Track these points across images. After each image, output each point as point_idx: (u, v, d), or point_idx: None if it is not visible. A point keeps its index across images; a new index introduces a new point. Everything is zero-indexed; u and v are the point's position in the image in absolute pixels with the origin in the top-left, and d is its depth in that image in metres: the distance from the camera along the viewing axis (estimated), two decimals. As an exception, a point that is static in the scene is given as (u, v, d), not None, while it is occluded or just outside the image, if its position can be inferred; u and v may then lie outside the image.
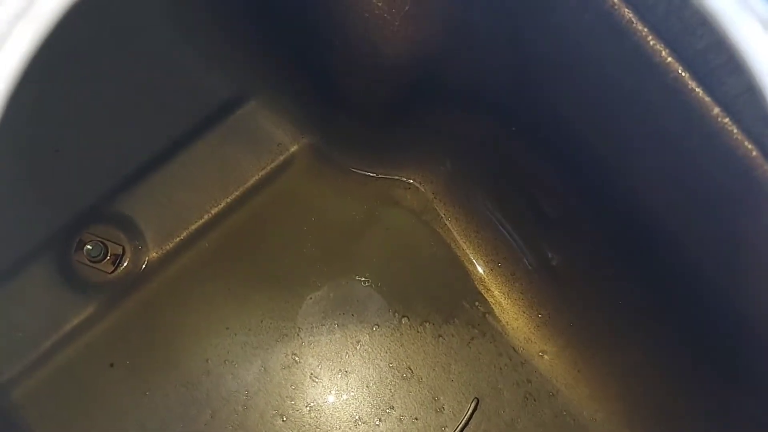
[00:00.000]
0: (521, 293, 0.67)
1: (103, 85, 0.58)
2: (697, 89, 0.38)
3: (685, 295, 0.51)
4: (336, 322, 0.67)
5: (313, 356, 0.66)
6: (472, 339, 0.66)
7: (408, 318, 0.67)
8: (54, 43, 0.20)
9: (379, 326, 0.67)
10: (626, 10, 0.38)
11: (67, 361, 0.63)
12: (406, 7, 0.51)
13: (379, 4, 0.51)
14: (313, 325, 0.66)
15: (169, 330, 0.65)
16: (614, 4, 0.38)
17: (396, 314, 0.67)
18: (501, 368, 0.66)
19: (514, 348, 0.66)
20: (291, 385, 0.65)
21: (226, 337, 0.65)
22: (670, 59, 0.38)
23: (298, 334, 0.66)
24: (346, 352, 0.66)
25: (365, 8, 0.51)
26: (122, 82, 0.59)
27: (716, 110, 0.37)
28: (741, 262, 0.42)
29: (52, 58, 0.24)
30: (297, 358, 0.66)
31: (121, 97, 0.60)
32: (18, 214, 0.60)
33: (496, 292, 0.68)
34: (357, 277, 0.68)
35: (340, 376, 0.65)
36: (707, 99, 0.37)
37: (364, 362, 0.66)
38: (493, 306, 0.67)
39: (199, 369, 0.64)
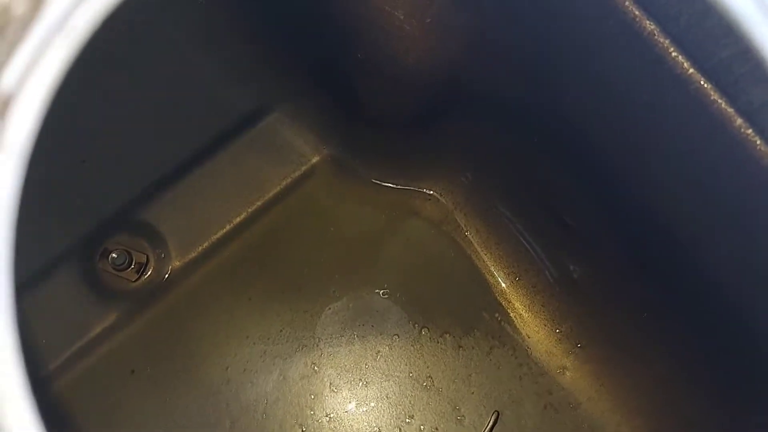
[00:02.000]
0: (542, 305, 0.67)
1: (129, 98, 0.59)
2: (720, 100, 0.37)
3: (709, 308, 0.51)
4: (355, 332, 0.67)
5: (332, 366, 0.66)
6: (492, 349, 0.66)
7: (428, 329, 0.67)
8: (86, 57, 0.21)
9: (398, 337, 0.67)
10: (648, 21, 0.38)
11: (89, 368, 0.64)
12: (427, 20, 0.52)
13: (400, 17, 0.51)
14: (333, 335, 0.67)
15: (190, 338, 0.66)
16: (636, 15, 0.38)
17: (416, 325, 0.67)
18: (521, 379, 0.65)
19: (534, 360, 0.66)
20: (310, 395, 0.65)
21: (246, 346, 0.66)
22: (692, 70, 0.38)
23: (317, 345, 0.66)
24: (366, 363, 0.66)
25: (386, 21, 0.52)
26: (148, 94, 0.60)
27: (739, 121, 0.37)
28: (765, 273, 0.42)
29: (83, 72, 0.25)
30: (316, 368, 0.66)
31: (147, 109, 0.61)
32: (44, 223, 0.61)
33: (517, 304, 0.67)
34: (376, 288, 0.68)
35: (359, 386, 0.65)
36: (730, 110, 0.37)
37: (384, 373, 0.66)
38: (513, 318, 0.67)
39: (220, 377, 0.65)
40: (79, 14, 0.19)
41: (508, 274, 0.68)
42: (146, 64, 0.57)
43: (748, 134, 0.37)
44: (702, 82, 0.38)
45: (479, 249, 0.69)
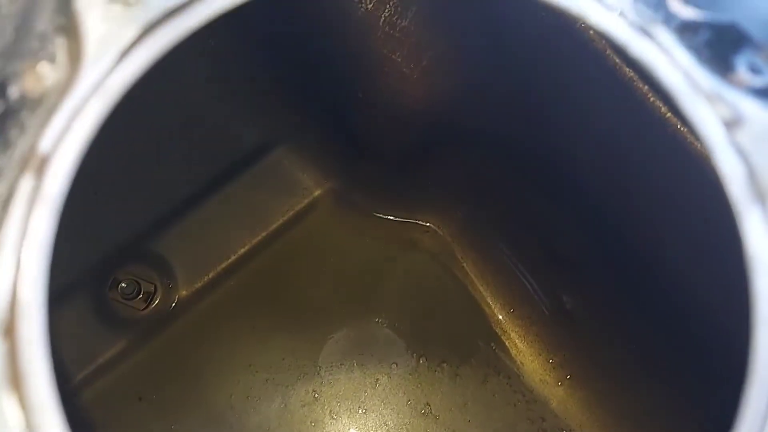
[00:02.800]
0: (536, 335, 0.68)
1: (141, 134, 0.61)
2: (696, 143, 0.40)
3: (697, 339, 0.53)
4: (355, 361, 0.68)
5: (332, 394, 0.67)
6: (488, 377, 0.67)
7: (426, 358, 0.68)
8: (115, 109, 0.23)
9: (397, 366, 0.68)
10: (627, 69, 0.41)
11: (97, 394, 0.65)
12: (423, 62, 0.54)
13: (399, 60, 0.54)
14: (333, 364, 0.68)
15: (195, 366, 0.67)
16: (616, 63, 0.41)
17: (414, 354, 0.68)
18: (515, 406, 0.66)
19: (528, 388, 0.67)
20: (311, 422, 0.66)
21: (249, 374, 0.67)
22: (669, 114, 0.40)
23: (318, 373, 0.68)
24: (365, 391, 0.67)
25: (386, 63, 0.55)
26: (159, 131, 0.62)
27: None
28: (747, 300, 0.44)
29: (109, 120, 0.28)
30: (317, 396, 0.67)
31: (157, 145, 0.63)
32: (55, 253, 0.62)
33: (512, 334, 0.69)
34: (376, 318, 0.69)
35: (359, 414, 0.67)
36: (705, 152, 0.40)
37: (383, 401, 0.67)
38: (509, 347, 0.68)
39: (224, 404, 0.66)
40: (113, 79, 0.22)
41: (504, 305, 0.69)
42: (159, 104, 0.59)
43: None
44: (679, 126, 0.41)
45: (476, 280, 0.70)
